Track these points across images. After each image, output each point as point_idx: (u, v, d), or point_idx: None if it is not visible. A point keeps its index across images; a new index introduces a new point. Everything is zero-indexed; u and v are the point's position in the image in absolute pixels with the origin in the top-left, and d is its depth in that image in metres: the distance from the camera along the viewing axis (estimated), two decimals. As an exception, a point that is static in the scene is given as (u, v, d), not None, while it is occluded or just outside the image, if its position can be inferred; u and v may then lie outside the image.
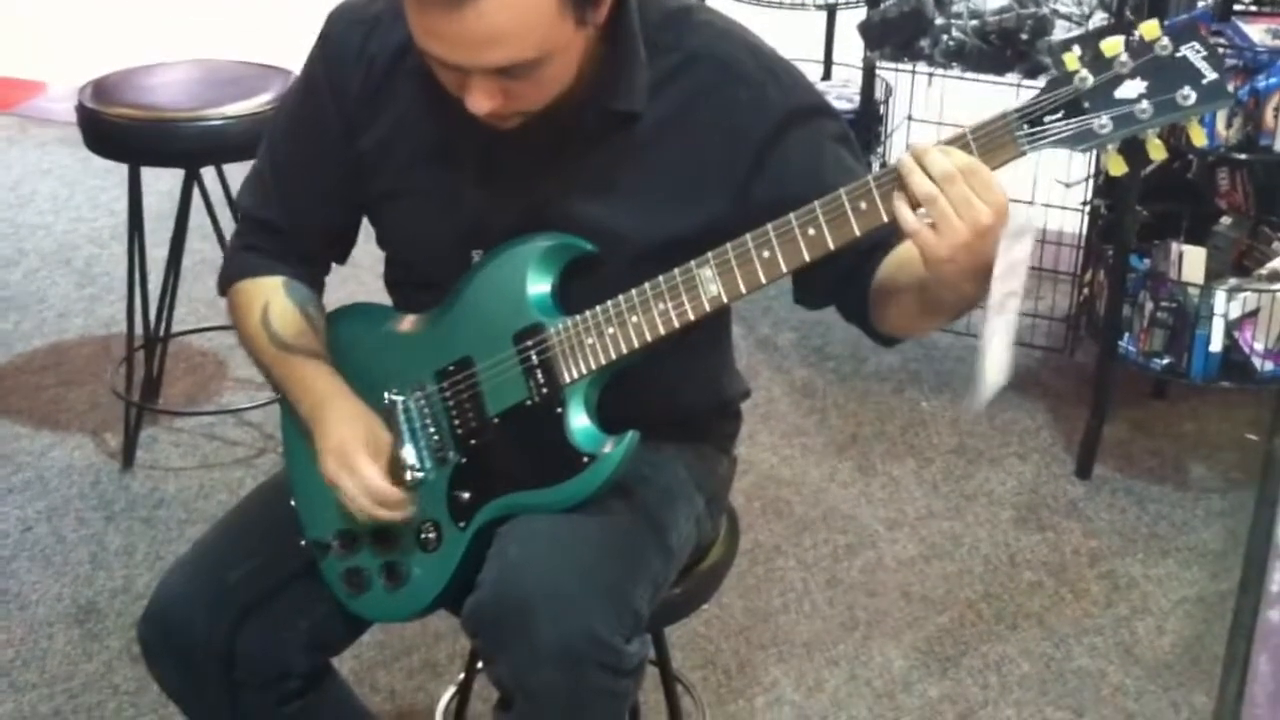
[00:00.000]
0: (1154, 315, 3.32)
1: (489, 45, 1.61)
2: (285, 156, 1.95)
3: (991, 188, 1.55)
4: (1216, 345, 3.25)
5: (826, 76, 4.53)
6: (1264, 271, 3.32)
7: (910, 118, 3.96)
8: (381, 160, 1.88)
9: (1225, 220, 3.46)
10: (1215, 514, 3.30)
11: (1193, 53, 1.53)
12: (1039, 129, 1.56)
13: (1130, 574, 3.10)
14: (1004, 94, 3.56)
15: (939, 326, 1.80)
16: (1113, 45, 1.55)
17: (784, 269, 1.66)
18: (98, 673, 2.77)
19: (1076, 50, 1.58)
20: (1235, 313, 3.23)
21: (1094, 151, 1.59)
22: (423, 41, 1.65)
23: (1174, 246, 3.30)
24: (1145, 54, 1.54)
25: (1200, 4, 3.42)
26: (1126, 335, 3.37)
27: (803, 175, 1.75)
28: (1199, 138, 1.59)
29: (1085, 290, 3.69)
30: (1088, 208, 3.72)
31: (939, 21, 3.63)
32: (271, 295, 1.93)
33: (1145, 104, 1.54)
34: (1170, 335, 3.31)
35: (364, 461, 1.81)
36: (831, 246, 1.63)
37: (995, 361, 1.66)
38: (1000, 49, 3.59)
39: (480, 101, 1.68)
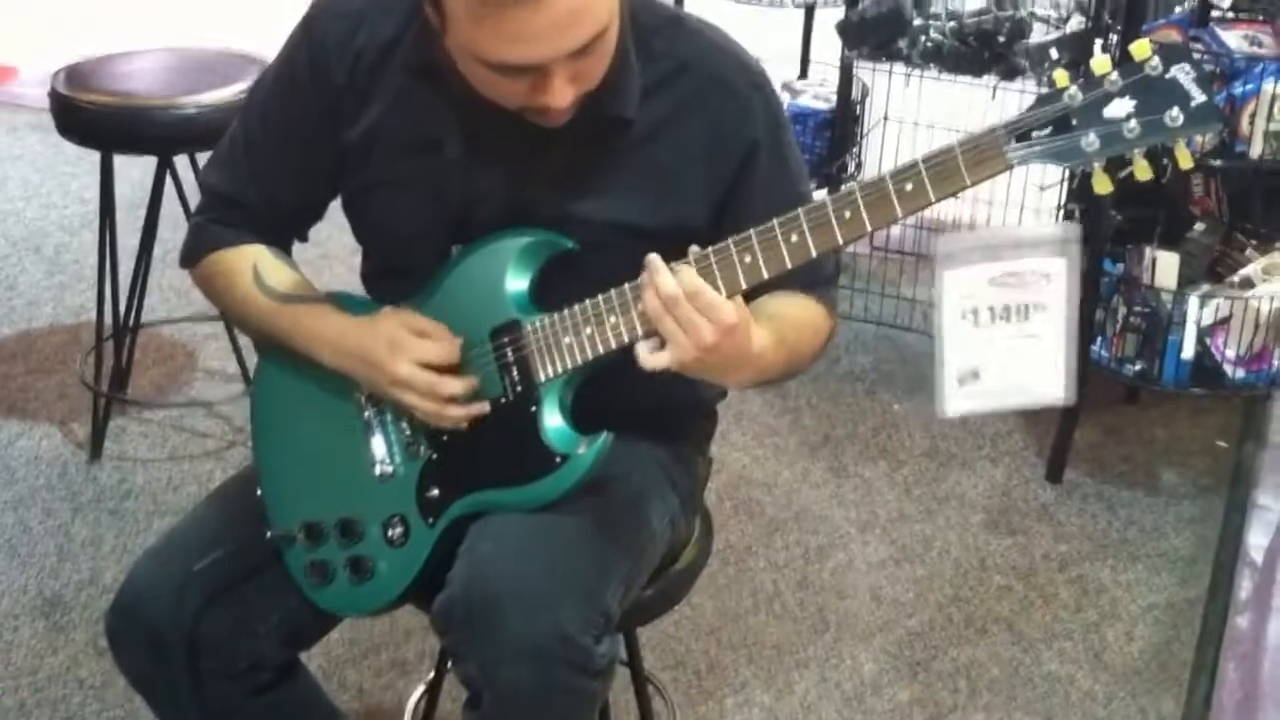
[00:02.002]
0: (1127, 320, 3.32)
1: (573, 24, 1.61)
2: (261, 138, 1.94)
3: (715, 308, 1.62)
4: (1189, 352, 3.25)
5: (803, 75, 4.53)
6: (1236, 278, 3.32)
7: (886, 117, 3.96)
8: (366, 152, 1.87)
9: (1199, 226, 3.46)
10: (1185, 520, 3.30)
11: (1183, 74, 1.54)
12: (1027, 143, 1.57)
13: (1100, 579, 3.10)
14: (981, 95, 3.56)
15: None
16: (1103, 63, 1.56)
17: (765, 274, 1.66)
18: (63, 666, 2.74)
19: (1055, 54, 1.59)
20: (1208, 319, 3.24)
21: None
22: (500, 53, 1.63)
23: (1147, 252, 3.30)
24: (1135, 73, 1.55)
25: (1178, 9, 3.43)
26: (1099, 340, 3.38)
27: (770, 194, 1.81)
28: (1185, 160, 1.59)
29: (1059, 294, 3.69)
30: (1062, 212, 3.72)
31: (917, 22, 3.63)
32: (259, 257, 1.94)
33: (1133, 123, 1.55)
34: (1143, 341, 3.32)
35: (411, 340, 1.79)
36: (814, 253, 1.64)
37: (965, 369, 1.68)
38: (978, 50, 3.59)
39: (565, 91, 1.67)
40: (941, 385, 1.70)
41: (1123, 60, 1.56)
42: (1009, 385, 1.69)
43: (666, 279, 1.62)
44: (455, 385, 1.79)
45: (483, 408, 1.80)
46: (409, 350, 1.78)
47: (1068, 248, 1.64)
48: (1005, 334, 1.66)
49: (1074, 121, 1.57)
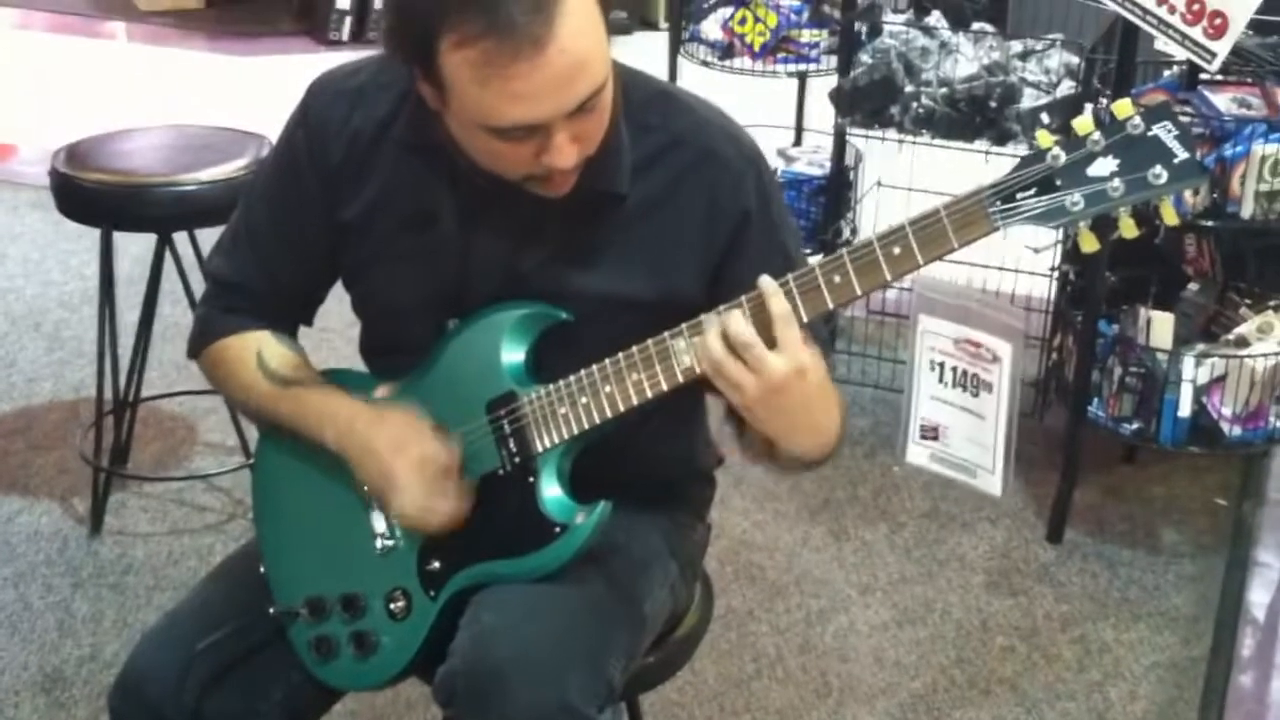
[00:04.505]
0: (1123, 380, 3.33)
1: (574, 78, 1.63)
2: (263, 223, 1.95)
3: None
4: (1185, 410, 3.26)
5: (798, 143, 4.56)
6: (1231, 337, 3.34)
7: (880, 183, 3.99)
8: (363, 230, 1.89)
9: (1193, 286, 3.48)
10: (1186, 579, 3.30)
11: (1164, 132, 1.56)
12: (1012, 205, 1.59)
13: (1102, 639, 3.10)
14: (973, 160, 3.59)
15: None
16: (1085, 123, 1.58)
17: (757, 341, 1.67)
18: (64, 742, 2.74)
19: (1046, 119, 1.61)
20: (1203, 378, 3.25)
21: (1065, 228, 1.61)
22: (505, 114, 1.64)
23: (1142, 312, 3.32)
24: (1117, 132, 1.57)
25: (1166, 74, 3.47)
26: (1096, 400, 3.38)
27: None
28: (1170, 216, 1.61)
29: (1054, 355, 3.71)
30: (1056, 273, 3.74)
31: (909, 89, 3.66)
32: (263, 342, 1.95)
33: (1117, 182, 1.57)
34: (1139, 400, 3.32)
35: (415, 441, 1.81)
36: (804, 318, 1.66)
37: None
38: (969, 116, 3.62)
39: (569, 151, 1.68)
40: (905, 433, 1.72)
41: (1106, 120, 1.58)
42: (959, 460, 1.71)
43: (738, 321, 1.63)
44: (446, 505, 1.80)
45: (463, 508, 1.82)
46: (408, 451, 1.80)
47: (1014, 334, 1.65)
48: (960, 401, 1.67)
49: (1058, 182, 1.58)
